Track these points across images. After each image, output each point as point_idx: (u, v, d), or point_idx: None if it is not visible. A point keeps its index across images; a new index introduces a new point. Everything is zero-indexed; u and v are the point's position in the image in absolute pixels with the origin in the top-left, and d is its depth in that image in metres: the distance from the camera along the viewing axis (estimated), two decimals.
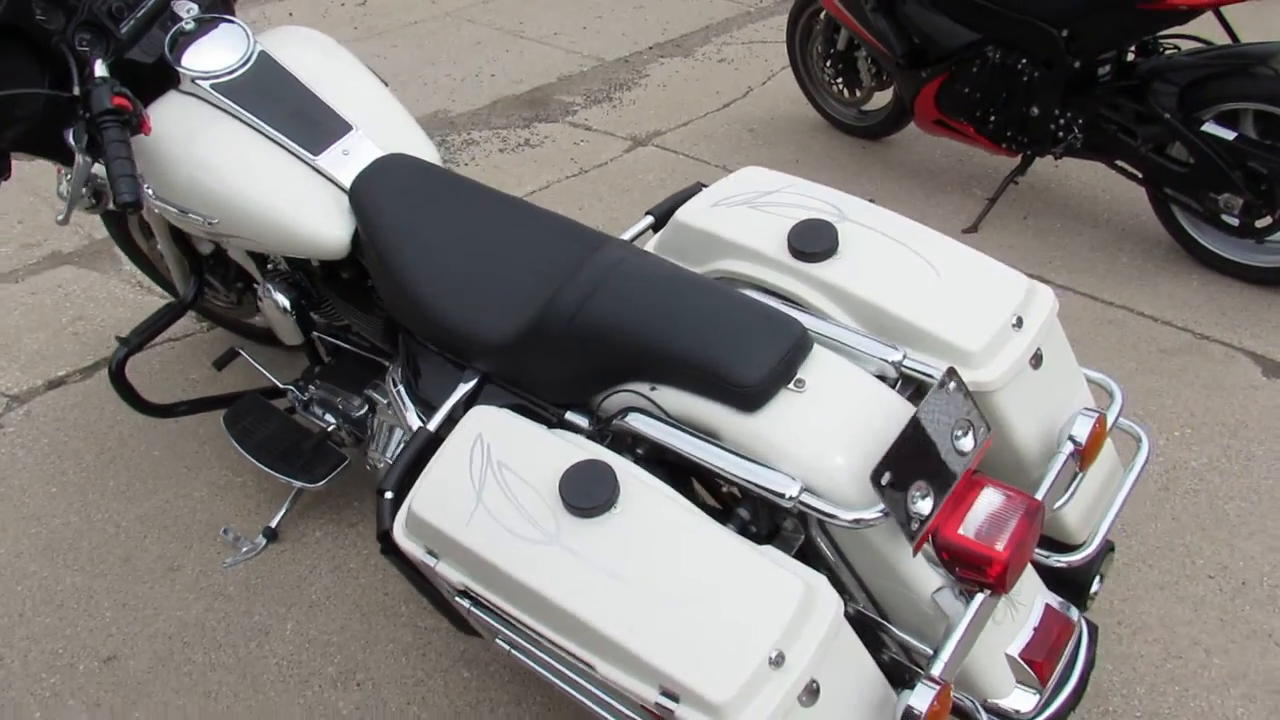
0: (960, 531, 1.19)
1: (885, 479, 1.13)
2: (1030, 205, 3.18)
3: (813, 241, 1.43)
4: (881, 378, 1.32)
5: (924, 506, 1.16)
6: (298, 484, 1.97)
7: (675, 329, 1.29)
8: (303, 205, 1.63)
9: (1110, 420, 1.47)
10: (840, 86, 3.53)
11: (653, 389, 1.33)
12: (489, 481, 1.27)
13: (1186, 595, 1.91)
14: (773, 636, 1.09)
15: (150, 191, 1.72)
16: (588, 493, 1.20)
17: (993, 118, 2.95)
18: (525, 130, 3.87)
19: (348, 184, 1.64)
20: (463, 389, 1.48)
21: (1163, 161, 2.69)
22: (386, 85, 1.89)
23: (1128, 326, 2.62)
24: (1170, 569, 1.96)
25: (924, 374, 1.32)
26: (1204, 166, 2.59)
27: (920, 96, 3.07)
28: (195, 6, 1.74)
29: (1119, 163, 2.83)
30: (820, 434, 1.23)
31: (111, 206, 1.70)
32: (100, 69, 1.56)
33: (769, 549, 1.19)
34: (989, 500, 1.21)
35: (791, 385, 1.27)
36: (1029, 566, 1.37)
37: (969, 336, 1.33)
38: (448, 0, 5.21)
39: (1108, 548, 1.51)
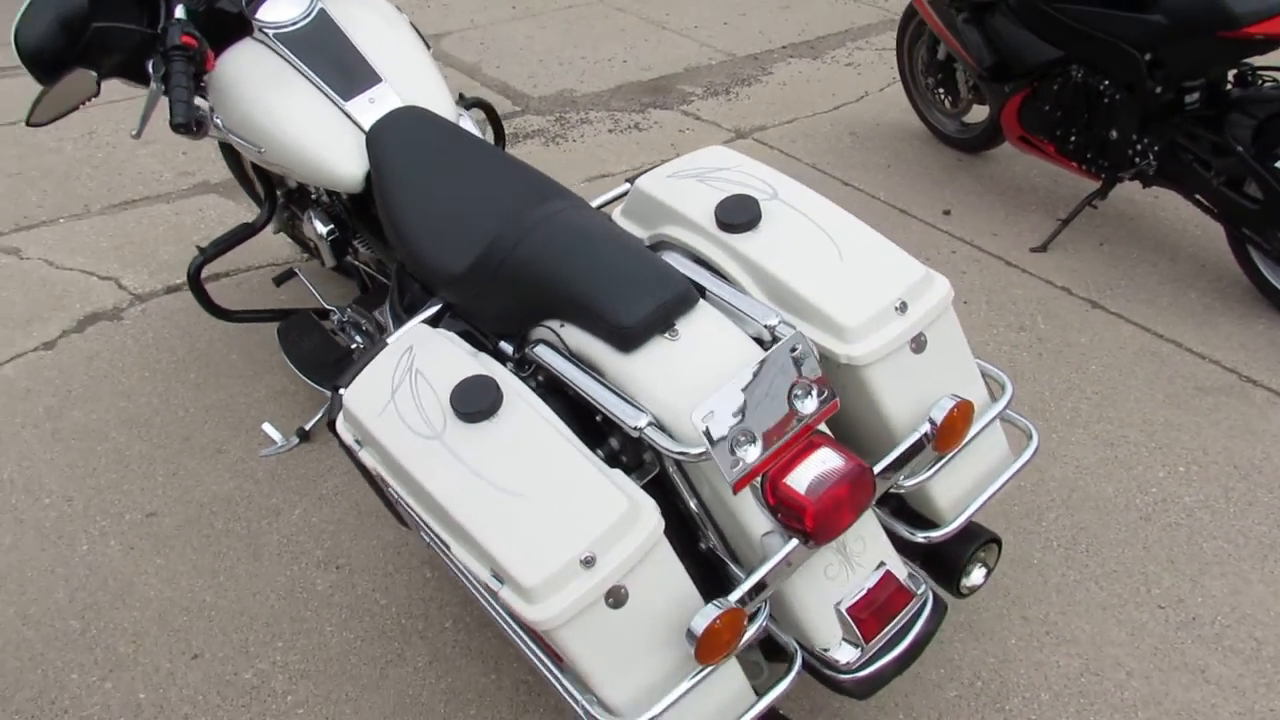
0: (786, 480, 1.30)
1: (708, 419, 1.25)
2: (1110, 231, 3.11)
3: (735, 214, 1.56)
4: (760, 340, 1.44)
5: (749, 452, 1.27)
6: (329, 393, 2.24)
7: (579, 274, 1.45)
8: (327, 142, 1.89)
9: (994, 412, 1.52)
10: (942, 96, 3.54)
11: (562, 326, 1.50)
12: (404, 384, 1.48)
13: (1128, 619, 1.90)
14: (588, 540, 1.24)
15: (220, 121, 2.02)
16: (472, 401, 1.38)
17: (1073, 137, 2.92)
18: (639, 115, 4.07)
19: (368, 128, 1.89)
20: (424, 313, 1.70)
21: (1236, 197, 2.61)
22: (429, 48, 2.13)
23: (1170, 361, 2.56)
24: (1120, 592, 1.95)
25: None
26: (1274, 205, 2.50)
27: (1005, 111, 3.07)
28: None
29: (1197, 196, 2.75)
30: (679, 378, 1.36)
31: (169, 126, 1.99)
32: (179, 12, 1.86)
33: (617, 472, 1.34)
34: (822, 458, 1.31)
35: (667, 334, 1.41)
36: (880, 533, 1.46)
37: (848, 313, 1.43)
38: None
39: (988, 539, 1.56)
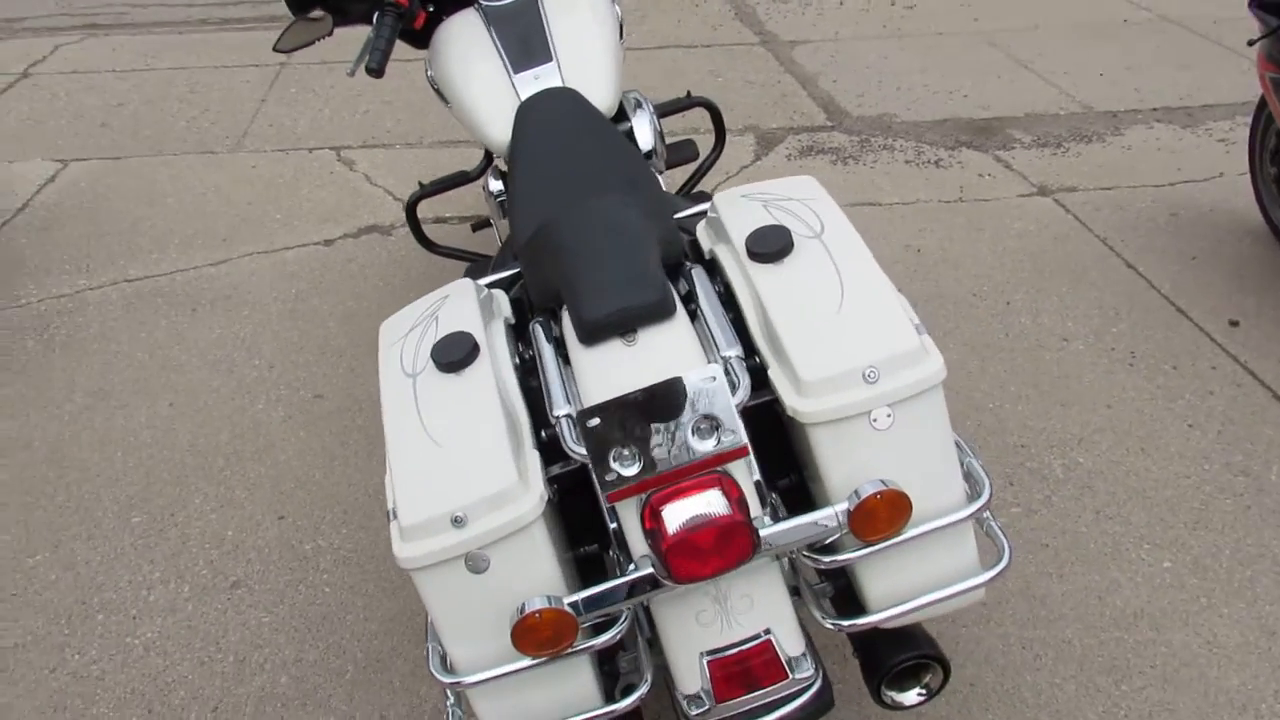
0: (663, 509, 1.27)
1: (593, 424, 1.26)
2: None
3: (763, 244, 1.51)
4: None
5: (629, 467, 1.26)
6: None
7: (575, 263, 1.50)
8: (488, 107, 2.07)
9: (957, 516, 1.34)
10: None
11: (564, 308, 1.56)
12: (421, 325, 1.62)
13: None
14: (463, 501, 1.30)
15: (431, 76, 2.29)
16: (448, 352, 1.49)
17: None
18: (948, 152, 3.86)
19: (522, 100, 2.04)
20: (496, 276, 1.83)
21: None
22: (621, 39, 2.22)
23: None
24: None
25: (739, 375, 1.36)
26: None
27: None
28: None
29: None
30: (612, 381, 1.37)
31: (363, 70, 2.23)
32: None
33: (534, 454, 1.38)
34: (707, 499, 1.26)
35: (624, 338, 1.42)
36: (779, 599, 1.35)
37: (809, 366, 1.34)
38: (991, 22, 5.20)
39: (929, 656, 1.39)
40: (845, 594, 1.46)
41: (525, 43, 2.12)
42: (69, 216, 3.40)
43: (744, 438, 1.26)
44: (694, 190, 2.75)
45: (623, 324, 1.41)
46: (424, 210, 3.39)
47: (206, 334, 2.79)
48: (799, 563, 1.42)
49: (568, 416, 1.36)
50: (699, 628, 1.35)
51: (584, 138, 1.90)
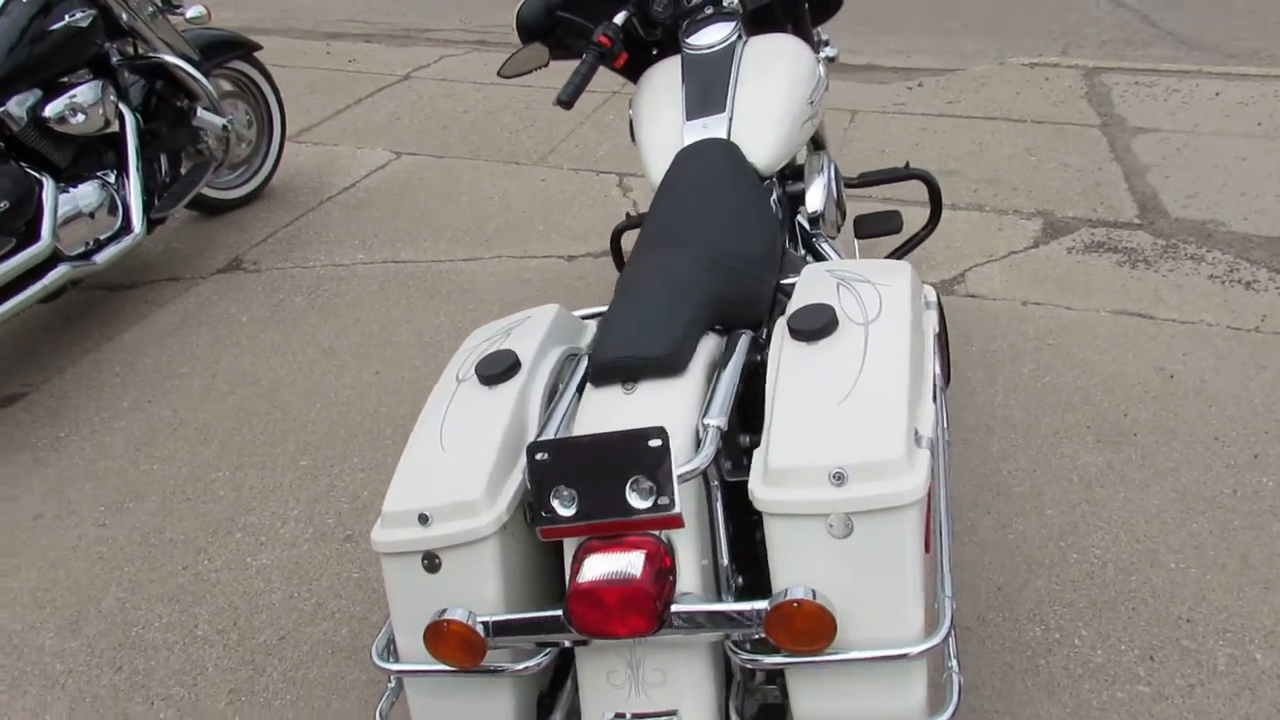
0: (587, 559, 1.26)
1: (540, 458, 1.28)
2: None
3: (803, 321, 1.45)
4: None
5: (565, 508, 1.27)
6: None
7: (612, 307, 1.55)
8: (655, 147, 2.11)
9: (907, 650, 1.20)
10: None
11: None
12: (494, 338, 1.72)
13: None
14: (432, 503, 1.38)
15: (630, 114, 2.38)
16: (489, 367, 1.58)
17: None
18: (1269, 274, 3.31)
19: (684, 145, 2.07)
20: (596, 309, 1.88)
21: None
22: (812, 102, 2.16)
23: None
24: None
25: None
26: None
27: None
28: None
29: None
30: (596, 422, 1.39)
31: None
32: (619, 18, 2.24)
33: (520, 474, 1.43)
34: (628, 559, 1.24)
35: (624, 386, 1.42)
36: (698, 682, 1.29)
37: (780, 454, 1.26)
38: None
39: None
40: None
41: (706, 92, 2.14)
42: (378, 199, 3.93)
43: (677, 507, 1.22)
44: None
45: (626, 371, 1.42)
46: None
47: (432, 319, 3.10)
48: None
49: None
50: (609, 687, 1.32)
51: (713, 191, 1.90)
